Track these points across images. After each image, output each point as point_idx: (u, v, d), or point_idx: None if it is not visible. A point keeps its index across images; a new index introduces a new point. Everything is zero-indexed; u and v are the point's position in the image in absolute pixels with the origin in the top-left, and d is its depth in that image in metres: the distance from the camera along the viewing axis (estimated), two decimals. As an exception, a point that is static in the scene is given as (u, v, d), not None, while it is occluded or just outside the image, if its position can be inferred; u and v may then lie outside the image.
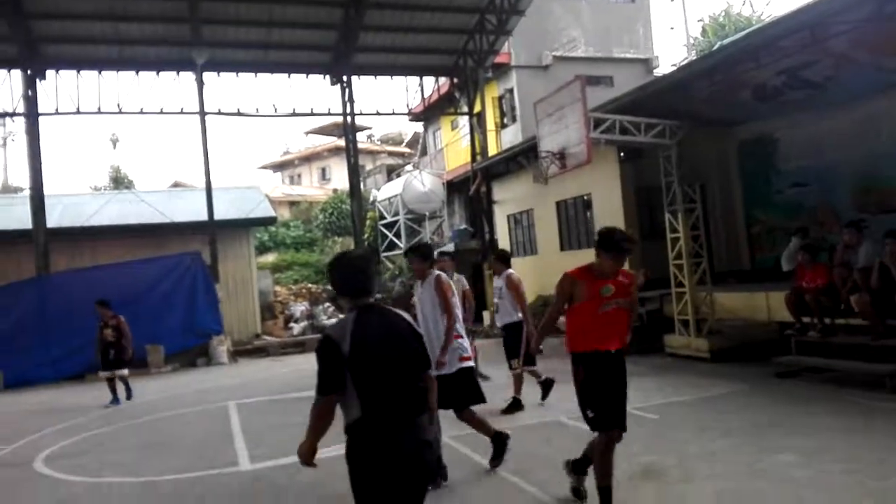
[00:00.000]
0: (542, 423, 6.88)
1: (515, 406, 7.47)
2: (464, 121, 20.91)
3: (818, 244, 9.46)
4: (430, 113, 23.02)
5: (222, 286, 16.55)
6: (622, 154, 12.87)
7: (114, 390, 10.74)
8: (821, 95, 9.65)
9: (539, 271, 15.31)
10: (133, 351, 11.04)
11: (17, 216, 16.81)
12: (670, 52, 73.67)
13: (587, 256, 4.41)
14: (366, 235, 22.22)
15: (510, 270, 7.78)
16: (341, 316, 19.43)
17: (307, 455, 2.87)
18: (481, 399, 5.40)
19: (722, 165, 13.23)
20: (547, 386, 7.71)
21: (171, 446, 7.33)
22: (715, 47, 17.93)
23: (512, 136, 21.38)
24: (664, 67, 22.65)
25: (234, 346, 16.51)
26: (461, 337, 5.40)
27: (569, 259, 12.94)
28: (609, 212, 13.07)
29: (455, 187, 24.01)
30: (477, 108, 19.00)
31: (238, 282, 18.21)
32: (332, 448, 3.16)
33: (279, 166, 45.99)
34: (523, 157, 15.47)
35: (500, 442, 5.33)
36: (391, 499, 2.77)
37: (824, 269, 8.42)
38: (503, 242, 18.19)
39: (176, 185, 35.38)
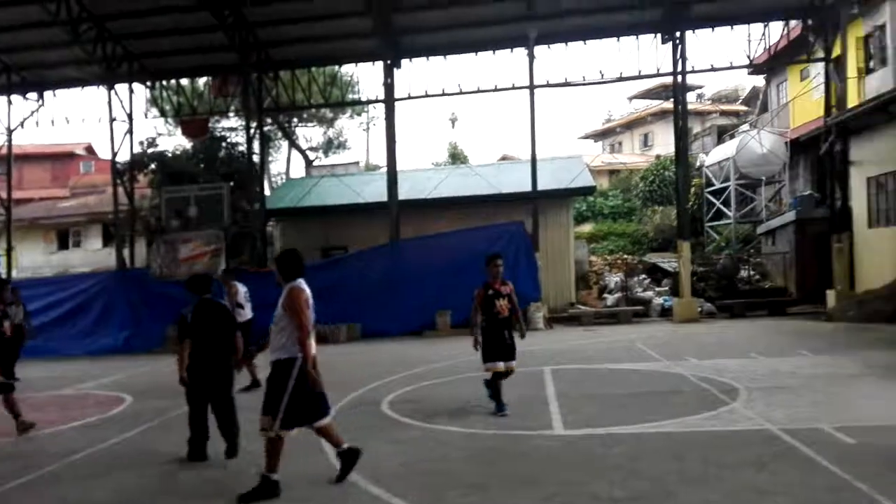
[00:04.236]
0: None
1: None
2: (817, 69, 18.04)
3: None
4: (775, 63, 20.44)
5: (541, 255, 17.12)
6: None
7: None
8: None
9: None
10: None
11: (376, 191, 19.70)
12: None
13: None
14: (690, 203, 20.77)
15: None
16: (657, 287, 17.94)
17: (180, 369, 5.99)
18: None
19: None
20: None
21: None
22: None
23: (879, 83, 17.67)
24: None
25: (549, 314, 17.01)
26: None
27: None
28: None
29: (800, 147, 21.02)
30: (836, 52, 16.15)
31: (556, 251, 18.67)
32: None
33: (601, 135, 45.84)
34: (896, 107, 12.73)
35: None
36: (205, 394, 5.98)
37: None
38: (859, 210, 15.53)
39: (503, 158, 37.66)
